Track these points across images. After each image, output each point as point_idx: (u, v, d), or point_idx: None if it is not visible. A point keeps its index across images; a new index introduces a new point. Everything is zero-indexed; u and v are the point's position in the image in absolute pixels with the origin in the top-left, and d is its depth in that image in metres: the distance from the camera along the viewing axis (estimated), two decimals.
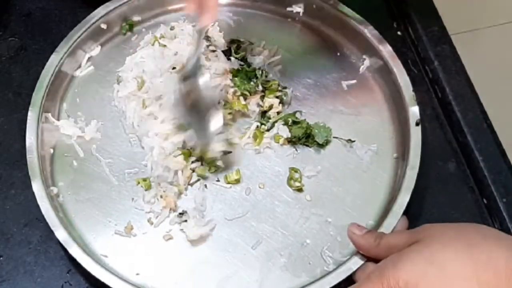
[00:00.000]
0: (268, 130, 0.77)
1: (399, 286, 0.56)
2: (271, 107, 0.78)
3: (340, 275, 0.66)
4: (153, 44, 0.80)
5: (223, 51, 0.81)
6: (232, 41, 0.83)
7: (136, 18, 0.85)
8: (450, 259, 0.56)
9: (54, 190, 0.72)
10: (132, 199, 0.73)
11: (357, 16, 0.82)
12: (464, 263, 0.55)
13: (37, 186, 0.70)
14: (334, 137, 0.77)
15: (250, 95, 0.78)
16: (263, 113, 0.78)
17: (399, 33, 0.88)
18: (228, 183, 0.74)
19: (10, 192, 0.75)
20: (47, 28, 0.86)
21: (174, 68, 0.77)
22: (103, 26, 0.82)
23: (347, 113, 0.80)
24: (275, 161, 0.76)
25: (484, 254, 0.55)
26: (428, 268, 0.56)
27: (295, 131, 0.77)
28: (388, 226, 0.68)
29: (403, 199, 0.70)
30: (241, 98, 0.78)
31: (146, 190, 0.73)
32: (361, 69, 0.83)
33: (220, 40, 0.82)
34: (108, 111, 0.79)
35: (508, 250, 0.55)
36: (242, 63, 0.81)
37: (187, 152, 0.74)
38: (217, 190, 0.74)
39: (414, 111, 0.76)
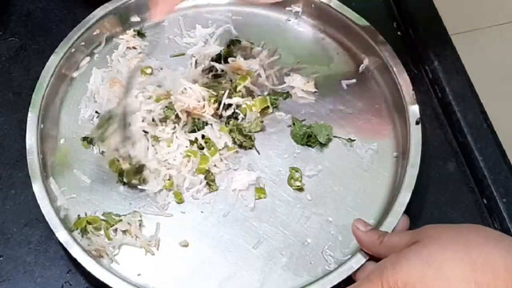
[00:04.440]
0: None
1: (398, 286, 0.56)
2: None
3: (341, 274, 0.66)
4: None
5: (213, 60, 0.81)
6: (231, 42, 0.83)
7: (135, 19, 0.85)
8: (448, 260, 0.55)
9: (55, 190, 0.72)
10: None
11: (357, 15, 0.82)
12: (462, 264, 0.55)
13: (37, 187, 0.70)
14: (334, 136, 0.77)
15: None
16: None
17: (399, 33, 0.88)
18: None
19: (10, 192, 0.75)
20: (47, 28, 0.86)
21: None
22: (103, 26, 0.82)
23: (347, 112, 0.80)
24: (275, 160, 0.76)
25: (482, 255, 0.55)
26: (426, 269, 0.56)
27: (296, 131, 0.77)
28: (389, 225, 0.68)
29: (404, 198, 0.70)
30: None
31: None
32: (360, 68, 0.83)
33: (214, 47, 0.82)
34: None
35: (507, 252, 0.55)
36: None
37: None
38: (218, 189, 0.74)
39: (414, 110, 0.76)
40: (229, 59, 0.81)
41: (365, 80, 0.82)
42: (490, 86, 1.07)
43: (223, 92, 0.77)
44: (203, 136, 0.75)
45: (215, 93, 0.77)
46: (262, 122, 0.78)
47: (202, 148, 0.75)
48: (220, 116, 0.77)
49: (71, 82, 0.81)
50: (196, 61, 0.82)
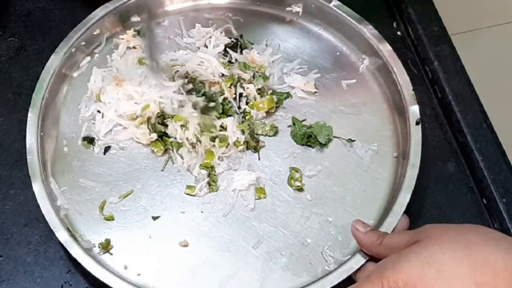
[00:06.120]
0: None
1: (398, 286, 0.56)
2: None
3: (341, 275, 0.66)
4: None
5: (229, 47, 0.82)
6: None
7: (135, 19, 0.85)
8: (448, 261, 0.55)
9: (55, 190, 0.72)
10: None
11: (357, 15, 0.83)
12: (462, 264, 0.55)
13: (37, 187, 0.70)
14: (334, 137, 0.77)
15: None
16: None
17: (399, 33, 0.88)
18: None
19: (10, 192, 0.75)
20: (47, 28, 0.86)
21: None
22: (103, 26, 0.82)
23: (347, 112, 0.80)
24: (275, 160, 0.76)
25: (482, 255, 0.55)
26: (426, 269, 0.56)
27: (296, 131, 0.77)
28: (388, 225, 0.68)
29: (404, 198, 0.70)
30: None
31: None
32: (360, 68, 0.83)
33: (223, 39, 0.82)
34: None
35: (507, 252, 0.55)
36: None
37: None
38: (218, 190, 0.74)
39: (414, 110, 0.76)
40: (244, 51, 0.82)
41: (365, 80, 0.82)
42: (490, 86, 1.07)
43: (238, 78, 0.78)
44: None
45: (231, 74, 0.78)
46: (276, 127, 0.78)
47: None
48: (239, 108, 0.78)
49: (71, 82, 0.81)
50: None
